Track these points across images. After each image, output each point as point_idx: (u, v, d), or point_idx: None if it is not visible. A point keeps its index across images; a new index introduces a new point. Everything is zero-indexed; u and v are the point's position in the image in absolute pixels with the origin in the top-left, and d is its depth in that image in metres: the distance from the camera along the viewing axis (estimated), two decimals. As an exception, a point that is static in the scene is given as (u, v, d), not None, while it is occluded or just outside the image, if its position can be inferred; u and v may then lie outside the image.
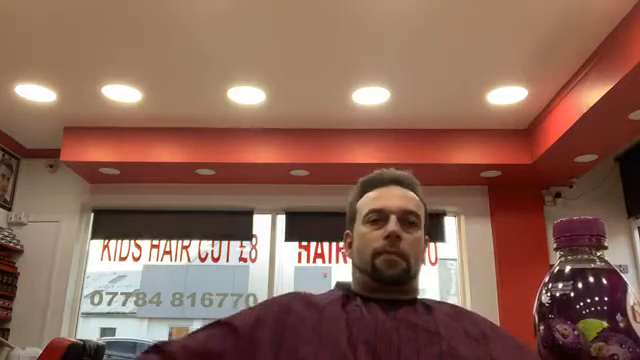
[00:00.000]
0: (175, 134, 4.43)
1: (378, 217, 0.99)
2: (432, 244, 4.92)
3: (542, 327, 0.58)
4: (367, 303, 0.93)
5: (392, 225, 0.96)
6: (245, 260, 5.01)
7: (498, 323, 1.07)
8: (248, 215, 5.00)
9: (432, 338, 0.86)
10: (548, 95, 3.84)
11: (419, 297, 1.01)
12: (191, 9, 2.92)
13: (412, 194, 1.04)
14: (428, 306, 0.96)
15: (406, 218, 0.99)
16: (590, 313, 0.55)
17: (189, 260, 5.17)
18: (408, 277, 0.97)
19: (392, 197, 1.01)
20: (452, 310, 0.96)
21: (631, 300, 0.56)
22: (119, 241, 4.98)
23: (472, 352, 0.85)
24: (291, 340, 0.85)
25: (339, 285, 1.06)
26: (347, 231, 1.08)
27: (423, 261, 1.03)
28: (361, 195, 1.06)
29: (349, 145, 4.42)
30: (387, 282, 0.96)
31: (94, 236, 5.00)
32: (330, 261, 4.89)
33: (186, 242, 5.02)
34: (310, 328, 0.87)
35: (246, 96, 3.89)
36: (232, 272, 6.60)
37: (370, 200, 1.03)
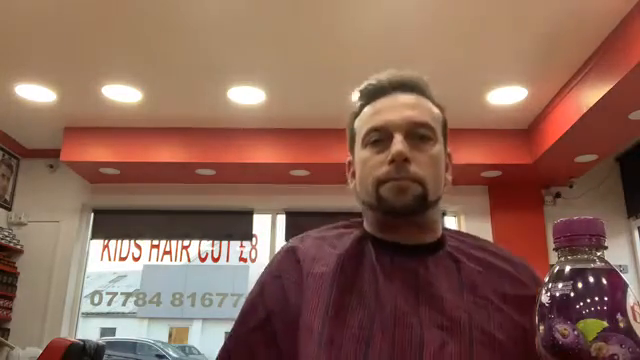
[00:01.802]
0: (175, 134, 4.43)
1: (379, 137, 0.79)
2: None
3: (542, 327, 0.58)
4: (383, 257, 0.77)
5: (397, 145, 0.76)
6: (245, 260, 5.01)
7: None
8: (248, 215, 5.00)
9: (461, 320, 0.70)
10: (548, 95, 3.84)
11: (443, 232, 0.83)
12: (191, 9, 2.92)
13: (422, 99, 0.84)
14: (457, 260, 0.78)
15: (416, 132, 0.79)
16: (590, 313, 0.55)
17: (189, 260, 5.17)
18: (426, 205, 0.77)
19: (395, 108, 0.80)
20: (485, 264, 0.79)
21: (631, 300, 0.56)
22: (119, 241, 4.98)
23: (508, 332, 0.71)
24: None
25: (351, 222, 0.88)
26: (349, 158, 0.88)
27: (447, 183, 0.83)
28: (360, 110, 0.85)
29: (349, 145, 4.41)
30: (399, 213, 0.76)
31: (94, 236, 5.00)
32: (330, 261, 4.88)
33: (186, 242, 5.02)
34: (312, 315, 0.72)
35: (246, 96, 3.89)
36: (232, 272, 6.60)
37: (369, 116, 0.82)
